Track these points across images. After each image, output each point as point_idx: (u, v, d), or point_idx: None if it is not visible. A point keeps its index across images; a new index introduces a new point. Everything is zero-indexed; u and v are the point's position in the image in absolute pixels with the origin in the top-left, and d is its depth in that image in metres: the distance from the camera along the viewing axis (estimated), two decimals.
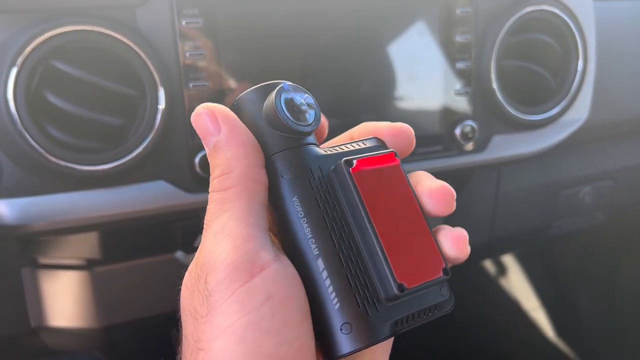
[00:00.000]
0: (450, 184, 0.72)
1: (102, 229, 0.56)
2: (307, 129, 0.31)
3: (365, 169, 0.30)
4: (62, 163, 0.49)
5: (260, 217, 0.29)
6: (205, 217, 0.30)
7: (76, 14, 0.49)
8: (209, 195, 0.30)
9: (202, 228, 0.62)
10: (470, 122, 0.64)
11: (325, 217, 0.29)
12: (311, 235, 0.29)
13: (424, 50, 0.63)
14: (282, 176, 0.30)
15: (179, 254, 0.60)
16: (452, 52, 0.63)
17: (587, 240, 1.17)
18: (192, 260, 0.62)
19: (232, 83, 0.54)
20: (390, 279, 0.28)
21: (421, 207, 0.32)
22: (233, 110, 0.31)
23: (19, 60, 0.47)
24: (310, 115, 0.31)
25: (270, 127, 0.31)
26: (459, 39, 0.63)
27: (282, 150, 0.30)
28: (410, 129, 0.35)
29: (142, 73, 0.50)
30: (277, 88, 0.31)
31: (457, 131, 0.64)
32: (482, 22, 0.64)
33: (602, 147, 0.87)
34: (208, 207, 0.30)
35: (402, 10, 0.61)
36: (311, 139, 0.32)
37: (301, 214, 0.29)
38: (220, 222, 0.29)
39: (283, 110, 0.30)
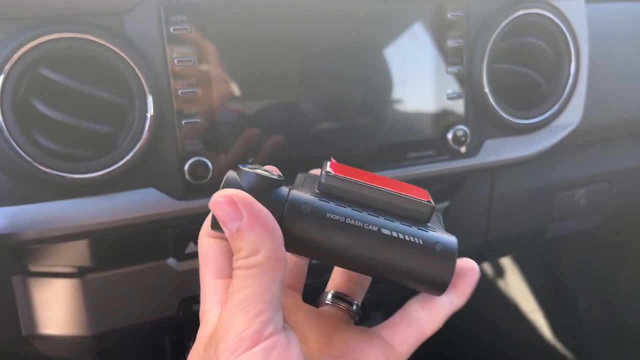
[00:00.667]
0: (444, 188, 0.75)
1: (93, 237, 0.56)
2: (282, 177, 0.36)
3: (335, 169, 0.38)
4: (51, 171, 0.48)
5: (277, 295, 0.33)
6: (229, 289, 0.33)
7: (63, 21, 0.49)
8: (234, 272, 0.34)
9: (193, 235, 0.62)
10: (462, 127, 0.64)
11: (354, 208, 0.35)
12: (361, 224, 0.35)
13: (416, 55, 0.62)
14: (305, 213, 0.35)
15: (171, 261, 0.60)
16: (444, 56, 0.63)
17: (584, 242, 1.17)
18: (183, 267, 0.62)
19: (221, 90, 0.54)
20: (422, 201, 0.37)
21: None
22: None
23: (6, 68, 0.46)
24: (273, 172, 0.37)
25: (261, 193, 0.35)
26: (450, 43, 0.63)
27: (285, 201, 0.35)
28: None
29: (131, 80, 0.50)
30: (240, 167, 0.36)
31: (450, 135, 0.64)
32: (474, 26, 0.64)
33: (597, 149, 0.87)
34: (232, 281, 0.33)
35: (394, 14, 0.61)
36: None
37: (342, 219, 0.35)
38: (241, 296, 0.32)
39: (264, 173, 0.35)
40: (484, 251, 0.87)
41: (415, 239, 0.35)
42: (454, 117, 0.65)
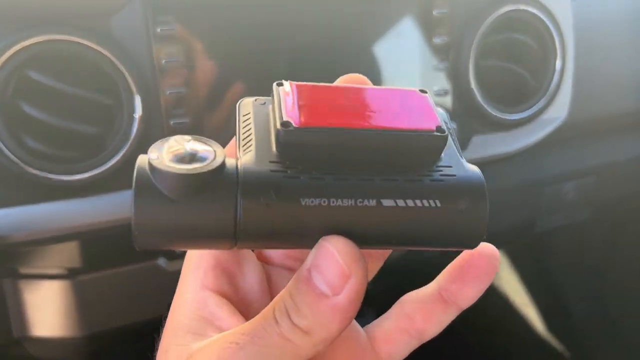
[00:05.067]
0: None
1: (83, 238, 0.56)
2: (219, 159, 0.23)
3: (297, 113, 0.25)
4: (39, 173, 0.49)
5: (195, 306, 0.28)
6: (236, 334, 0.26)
7: (51, 23, 0.48)
8: (262, 319, 0.26)
9: None
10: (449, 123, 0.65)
11: (339, 176, 0.24)
12: (353, 202, 0.23)
13: (402, 52, 0.63)
14: (270, 206, 0.23)
15: (161, 261, 0.60)
16: (430, 53, 0.64)
17: (574, 236, 1.18)
18: (174, 267, 0.62)
19: (209, 89, 0.54)
20: (430, 134, 0.25)
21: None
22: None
23: None
24: (198, 146, 0.24)
25: (192, 197, 0.22)
26: (436, 40, 0.64)
27: (235, 197, 0.23)
28: None
29: (118, 81, 0.50)
30: (149, 159, 0.22)
31: None
32: (460, 22, 0.65)
33: (584, 143, 0.88)
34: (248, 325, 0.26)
35: (380, 12, 0.61)
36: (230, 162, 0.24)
37: (324, 202, 0.23)
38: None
39: (178, 166, 0.22)
40: None
41: (430, 202, 0.24)
42: None
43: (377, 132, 0.25)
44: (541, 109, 0.70)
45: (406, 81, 0.63)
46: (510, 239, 1.03)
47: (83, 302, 0.59)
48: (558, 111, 0.72)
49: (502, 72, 0.67)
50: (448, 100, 0.65)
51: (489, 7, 0.65)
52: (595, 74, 0.80)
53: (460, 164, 0.26)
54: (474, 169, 0.26)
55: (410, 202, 0.23)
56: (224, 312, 0.28)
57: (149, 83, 0.52)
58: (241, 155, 0.25)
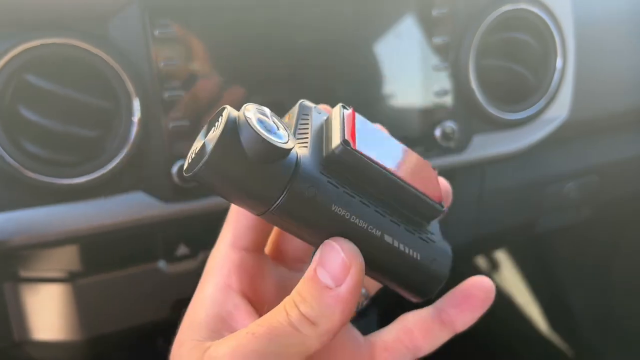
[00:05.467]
0: None
1: (83, 241, 0.56)
2: (291, 143, 0.28)
3: (354, 135, 0.31)
4: (38, 177, 0.48)
5: (215, 303, 0.32)
6: (250, 327, 0.30)
7: (48, 27, 0.48)
8: (276, 311, 0.30)
9: (183, 237, 0.62)
10: (450, 123, 0.64)
11: (364, 201, 0.31)
12: (365, 225, 0.30)
13: (402, 52, 0.62)
14: (309, 198, 0.29)
15: (161, 264, 0.60)
16: (430, 53, 0.63)
17: (576, 235, 1.18)
18: (174, 270, 0.62)
19: (208, 91, 0.54)
20: (434, 204, 0.33)
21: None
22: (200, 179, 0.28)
23: None
24: (277, 123, 0.29)
25: (261, 165, 0.28)
26: (436, 40, 0.63)
27: (289, 179, 0.28)
28: None
29: (116, 84, 0.50)
30: (244, 115, 0.28)
31: (437, 132, 0.64)
32: (460, 22, 0.64)
33: (585, 142, 0.87)
34: (263, 320, 0.30)
35: (380, 11, 0.61)
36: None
37: (347, 215, 0.30)
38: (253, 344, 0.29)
39: (266, 134, 0.27)
40: (473, 246, 0.87)
41: (414, 253, 0.32)
42: (442, 114, 0.65)
43: (403, 182, 0.32)
44: (542, 108, 0.69)
45: (406, 81, 0.63)
46: (512, 239, 1.03)
47: (83, 305, 0.59)
48: (559, 110, 0.72)
49: (502, 72, 0.67)
50: (448, 99, 0.65)
51: (488, 6, 0.65)
52: (596, 73, 0.80)
53: (439, 234, 0.35)
54: (445, 242, 0.35)
55: (402, 247, 0.32)
56: (241, 314, 0.32)
57: (147, 86, 0.52)
58: (296, 145, 0.30)
